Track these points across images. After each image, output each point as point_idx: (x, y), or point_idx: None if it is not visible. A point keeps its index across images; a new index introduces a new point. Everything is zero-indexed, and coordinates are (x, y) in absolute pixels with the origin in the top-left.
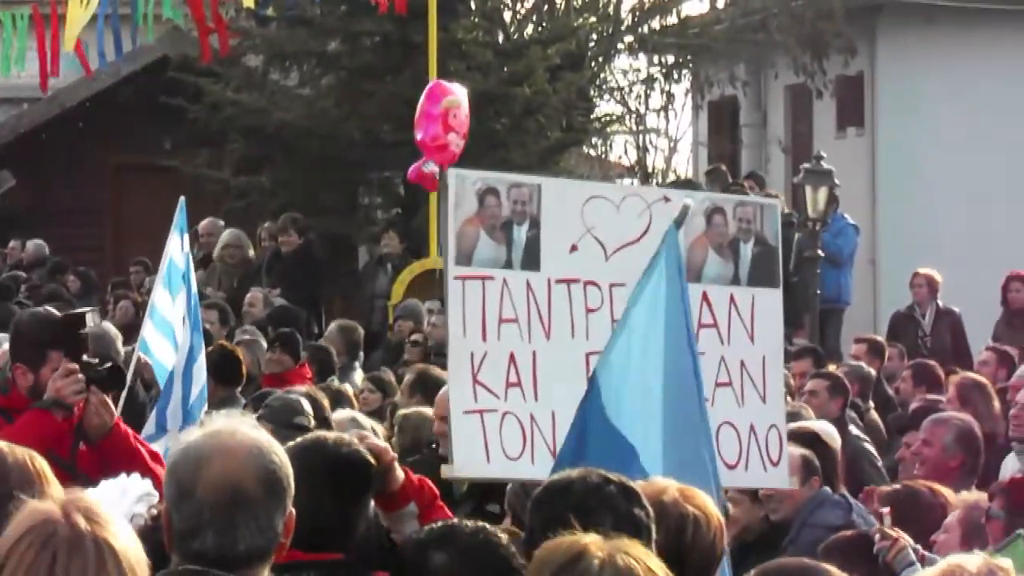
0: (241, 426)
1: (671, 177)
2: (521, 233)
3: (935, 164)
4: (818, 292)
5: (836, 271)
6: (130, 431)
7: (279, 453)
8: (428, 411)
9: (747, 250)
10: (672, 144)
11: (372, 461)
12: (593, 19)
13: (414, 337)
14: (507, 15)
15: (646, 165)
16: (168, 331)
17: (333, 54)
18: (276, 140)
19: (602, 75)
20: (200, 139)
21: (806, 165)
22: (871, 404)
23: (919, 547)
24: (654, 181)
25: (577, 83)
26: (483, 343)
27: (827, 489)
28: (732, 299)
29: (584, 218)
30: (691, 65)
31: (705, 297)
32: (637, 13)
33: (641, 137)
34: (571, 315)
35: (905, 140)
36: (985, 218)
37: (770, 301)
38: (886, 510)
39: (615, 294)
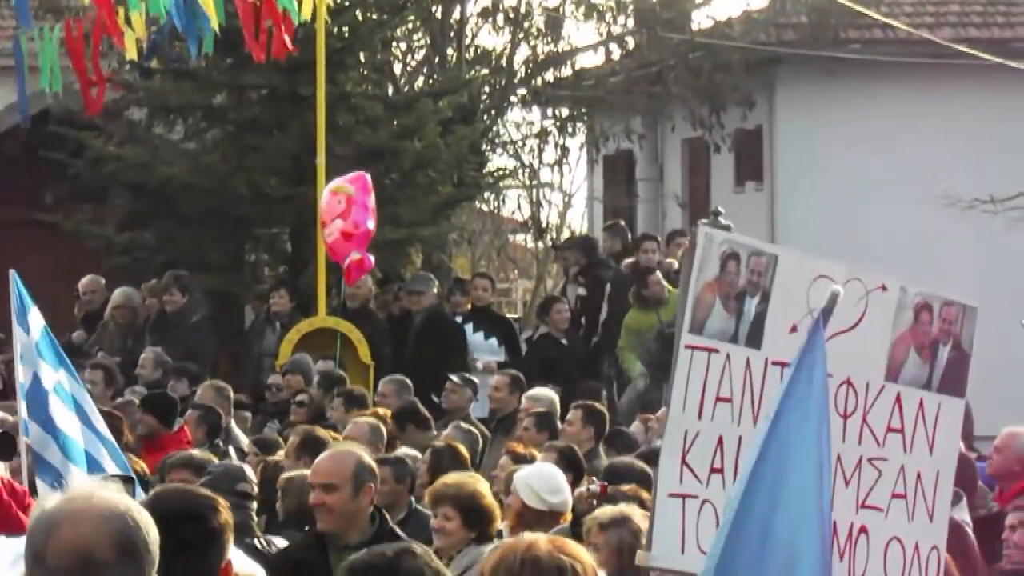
0: (99, 489)
1: (566, 233)
2: (751, 306)
3: (835, 219)
4: None
5: None
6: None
7: (138, 516)
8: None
9: (944, 353)
10: (567, 199)
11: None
12: (485, 71)
13: (299, 398)
14: (397, 68)
15: (540, 220)
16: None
17: (219, 107)
18: (160, 195)
19: (495, 128)
20: (82, 194)
21: (704, 221)
22: None
23: None
24: (549, 237)
25: (469, 137)
26: (698, 421)
27: None
28: (921, 404)
29: (809, 298)
30: (586, 118)
31: (898, 399)
32: (530, 65)
33: (535, 192)
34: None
35: (805, 195)
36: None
37: (954, 412)
38: None
39: None
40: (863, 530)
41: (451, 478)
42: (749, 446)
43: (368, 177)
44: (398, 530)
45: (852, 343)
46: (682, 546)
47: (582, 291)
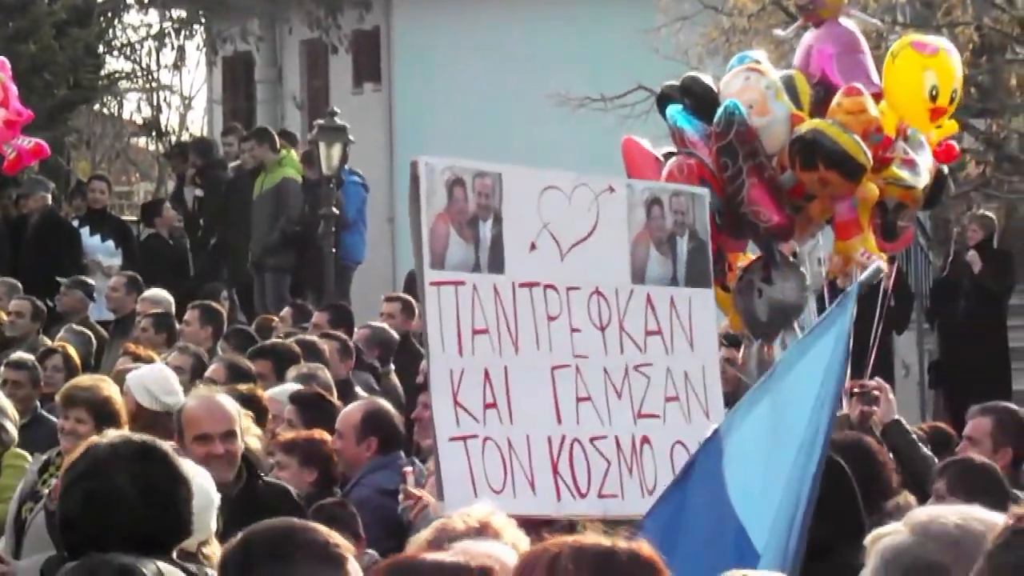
0: None
1: (186, 136)
2: (486, 230)
3: (453, 119)
4: (334, 251)
5: (344, 230)
6: None
7: None
8: None
9: (683, 246)
10: (186, 101)
11: None
12: None
13: None
14: None
15: (160, 123)
16: None
17: None
18: None
19: (111, 31)
20: None
21: (320, 121)
22: (391, 367)
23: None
24: (168, 140)
25: (85, 39)
26: (460, 358)
27: (399, 453)
28: (672, 301)
29: (540, 212)
30: (203, 20)
31: (649, 300)
32: None
33: (155, 94)
34: (535, 324)
35: (422, 95)
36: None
37: (707, 303)
38: (409, 469)
39: (572, 299)
40: (645, 440)
41: (84, 380)
42: (517, 374)
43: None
44: (263, 475)
45: (592, 251)
46: (473, 490)
47: (199, 192)
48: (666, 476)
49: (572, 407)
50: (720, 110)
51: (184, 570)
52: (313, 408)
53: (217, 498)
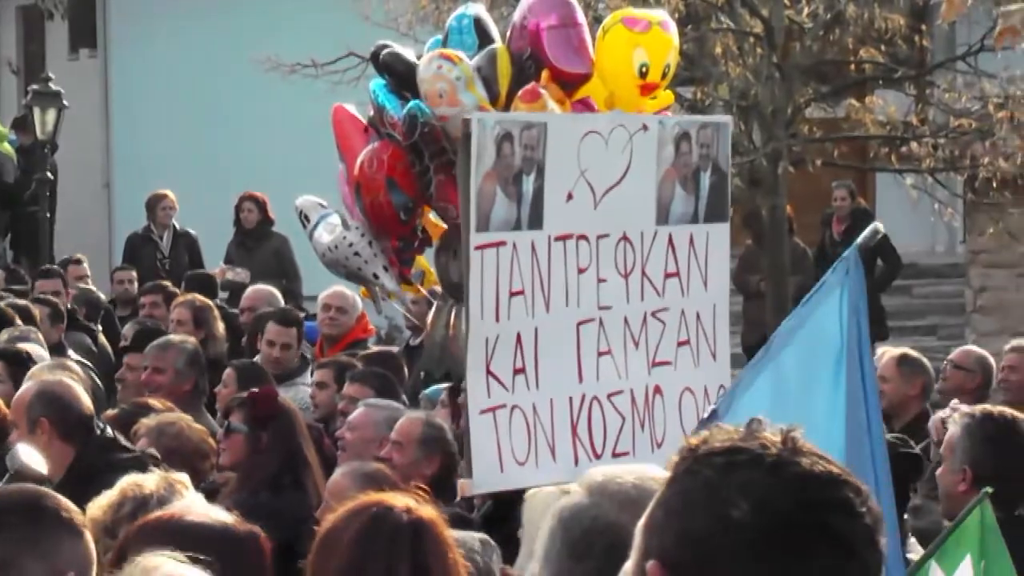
0: None
1: None
2: (529, 185)
3: (168, 86)
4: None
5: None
6: None
7: None
8: None
9: (705, 180)
10: None
11: None
12: None
13: None
14: None
15: None
16: None
17: None
18: None
19: None
20: None
21: (35, 87)
22: (99, 328)
23: None
24: None
25: None
26: (496, 324)
27: None
28: (691, 240)
29: (580, 158)
30: None
31: (671, 241)
32: None
33: None
34: (566, 279)
35: (138, 62)
36: (217, 139)
37: (721, 238)
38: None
39: (601, 248)
40: (657, 390)
41: None
42: (545, 335)
43: None
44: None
45: (623, 195)
46: (500, 464)
47: None
48: (674, 426)
49: (593, 363)
50: (404, 111)
51: None
52: (21, 366)
53: None
